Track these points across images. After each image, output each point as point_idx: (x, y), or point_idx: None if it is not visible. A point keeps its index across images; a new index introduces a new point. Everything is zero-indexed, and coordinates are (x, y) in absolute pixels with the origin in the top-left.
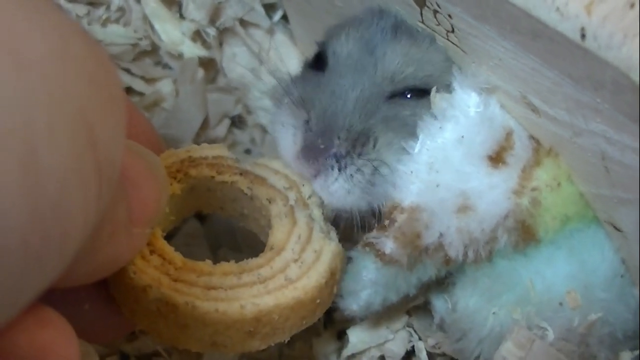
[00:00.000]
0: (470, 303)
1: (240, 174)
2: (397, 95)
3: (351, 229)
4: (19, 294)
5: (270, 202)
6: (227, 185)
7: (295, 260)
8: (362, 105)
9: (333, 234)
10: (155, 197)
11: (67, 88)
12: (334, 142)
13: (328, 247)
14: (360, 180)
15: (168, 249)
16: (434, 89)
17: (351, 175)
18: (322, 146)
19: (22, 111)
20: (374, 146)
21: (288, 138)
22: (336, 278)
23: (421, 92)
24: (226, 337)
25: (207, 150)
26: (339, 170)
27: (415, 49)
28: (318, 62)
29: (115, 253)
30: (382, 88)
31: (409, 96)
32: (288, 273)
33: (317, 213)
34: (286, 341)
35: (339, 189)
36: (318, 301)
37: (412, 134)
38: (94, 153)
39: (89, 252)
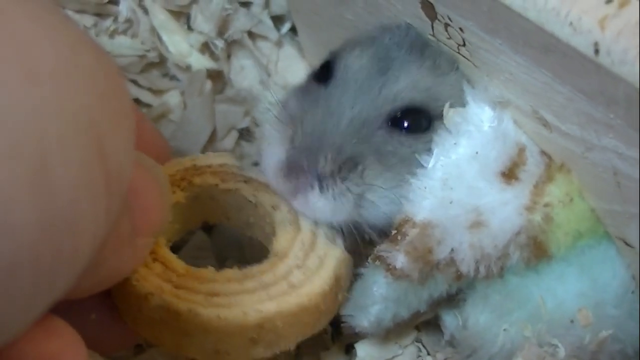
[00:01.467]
0: (480, 319)
1: (245, 182)
2: (394, 119)
3: (356, 241)
4: (29, 309)
5: (274, 208)
6: (231, 193)
7: (299, 267)
8: (357, 127)
9: (339, 241)
10: (158, 206)
11: (77, 101)
12: (319, 161)
13: (332, 253)
14: (344, 202)
15: (170, 257)
16: (447, 104)
17: (333, 197)
18: (304, 164)
19: (33, 124)
20: (361, 175)
21: (268, 154)
22: (341, 285)
23: (419, 115)
24: (229, 344)
25: (212, 159)
26: (320, 190)
27: (434, 77)
28: (323, 74)
29: (119, 264)
30: (382, 110)
31: (406, 125)
32: (291, 279)
33: None
34: (292, 350)
35: (323, 208)
36: (322, 308)
37: (404, 171)
38: (104, 166)
39: (93, 265)
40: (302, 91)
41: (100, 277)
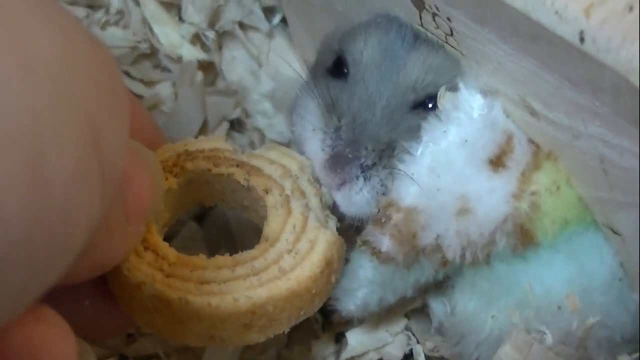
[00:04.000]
0: (469, 306)
1: (237, 166)
2: (419, 104)
3: (348, 230)
4: (22, 297)
5: (266, 192)
6: (224, 178)
7: (289, 251)
8: (389, 115)
9: (332, 223)
10: (150, 193)
11: (73, 91)
12: (362, 152)
13: (323, 237)
14: (380, 190)
15: (162, 245)
16: (442, 87)
17: (373, 186)
18: (350, 155)
19: (29, 114)
20: (397, 159)
21: (317, 143)
22: (333, 267)
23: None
24: (222, 330)
25: (204, 143)
26: (364, 180)
27: (434, 56)
28: (337, 69)
29: (111, 251)
30: (405, 97)
31: (430, 106)
32: (282, 264)
33: (314, 202)
34: (284, 339)
35: (361, 200)
36: (314, 291)
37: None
38: (99, 155)
39: (85, 252)
40: (324, 84)
41: (91, 263)
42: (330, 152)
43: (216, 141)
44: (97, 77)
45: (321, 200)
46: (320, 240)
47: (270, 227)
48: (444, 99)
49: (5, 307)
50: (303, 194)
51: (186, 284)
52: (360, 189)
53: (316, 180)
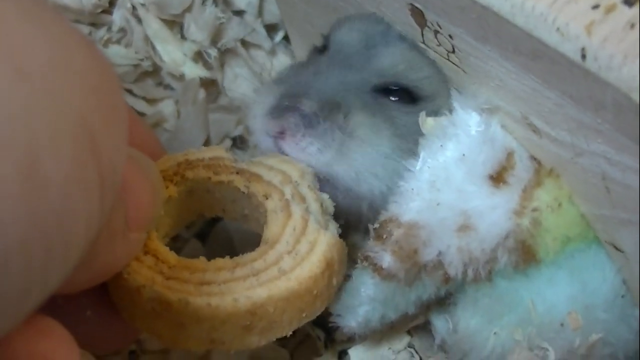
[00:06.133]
0: (471, 323)
1: (237, 173)
2: (381, 89)
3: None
4: (21, 304)
5: (266, 197)
6: (224, 185)
7: (289, 252)
8: (344, 86)
9: (332, 226)
10: (150, 200)
11: (69, 98)
12: (303, 102)
13: (323, 238)
14: (328, 141)
15: (162, 249)
16: (422, 113)
17: (318, 134)
18: (286, 103)
19: (24, 121)
20: (345, 117)
21: (257, 104)
22: (334, 269)
23: (407, 94)
24: (223, 333)
25: (204, 152)
26: (304, 127)
27: (415, 55)
28: (323, 49)
29: (112, 259)
30: (369, 79)
31: (391, 94)
32: (281, 265)
33: (314, 207)
34: (288, 353)
35: (309, 146)
36: (315, 292)
37: (387, 121)
38: (97, 162)
39: (86, 260)
40: (301, 66)
41: (93, 271)
42: (269, 106)
43: (216, 150)
44: (94, 83)
45: (322, 205)
46: (320, 242)
47: (270, 230)
48: (427, 125)
49: (5, 313)
50: (303, 199)
51: (186, 285)
52: (303, 135)
53: (316, 187)
